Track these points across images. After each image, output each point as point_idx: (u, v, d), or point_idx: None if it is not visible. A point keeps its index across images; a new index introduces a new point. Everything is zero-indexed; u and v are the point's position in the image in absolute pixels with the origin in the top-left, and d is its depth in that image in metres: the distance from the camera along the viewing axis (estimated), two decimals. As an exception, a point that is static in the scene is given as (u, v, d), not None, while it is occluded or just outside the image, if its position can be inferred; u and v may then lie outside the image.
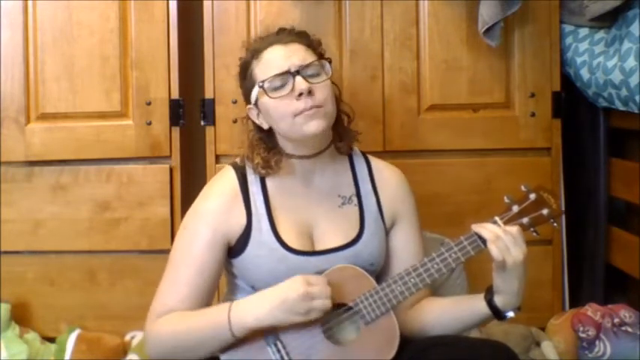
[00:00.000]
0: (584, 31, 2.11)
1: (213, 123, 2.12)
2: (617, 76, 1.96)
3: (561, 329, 2.02)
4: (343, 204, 1.55)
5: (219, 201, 1.51)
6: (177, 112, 2.14)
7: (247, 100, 1.54)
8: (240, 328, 1.39)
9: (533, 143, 2.13)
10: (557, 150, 2.14)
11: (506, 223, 1.42)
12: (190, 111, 2.16)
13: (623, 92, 1.97)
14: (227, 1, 2.11)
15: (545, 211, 1.44)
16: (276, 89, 1.45)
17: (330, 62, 1.51)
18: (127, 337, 2.11)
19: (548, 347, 1.99)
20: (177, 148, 2.14)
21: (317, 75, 1.47)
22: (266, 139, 1.53)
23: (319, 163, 1.53)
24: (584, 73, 2.10)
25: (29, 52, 2.15)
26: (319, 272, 1.46)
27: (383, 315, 1.43)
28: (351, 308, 1.44)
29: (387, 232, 1.57)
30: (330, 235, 1.51)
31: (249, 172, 1.53)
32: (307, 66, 1.46)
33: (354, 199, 1.56)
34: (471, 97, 2.12)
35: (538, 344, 2.02)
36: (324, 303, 1.38)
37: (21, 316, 2.15)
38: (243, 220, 1.50)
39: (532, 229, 1.44)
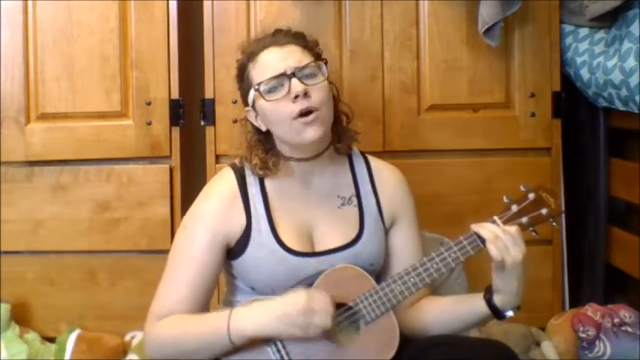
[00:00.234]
0: (584, 31, 2.11)
1: (213, 123, 2.12)
2: (617, 76, 1.96)
3: (561, 329, 2.02)
4: (343, 205, 1.55)
5: (219, 202, 1.51)
6: (177, 112, 2.14)
7: (245, 103, 1.54)
8: (239, 336, 1.39)
9: (533, 143, 2.13)
10: (557, 150, 2.14)
11: (505, 222, 1.42)
12: (190, 111, 2.16)
13: (623, 92, 1.97)
14: (227, 1, 2.11)
15: (544, 211, 1.44)
16: (272, 92, 1.45)
17: (326, 63, 1.50)
18: (127, 337, 2.11)
19: (548, 347, 1.99)
20: (177, 148, 2.14)
21: (313, 76, 1.46)
22: (264, 140, 1.53)
23: (318, 164, 1.53)
24: (584, 73, 2.10)
25: (29, 52, 2.15)
26: (318, 273, 1.46)
27: (383, 315, 1.43)
28: (351, 308, 1.44)
29: (387, 232, 1.57)
30: (330, 236, 1.51)
31: (248, 174, 1.53)
32: (303, 68, 1.45)
33: (354, 200, 1.56)
34: (471, 97, 2.12)
35: (538, 344, 2.02)
36: (323, 320, 1.37)
37: (21, 316, 2.15)
38: (242, 222, 1.49)
39: (531, 228, 1.43)
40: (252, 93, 1.49)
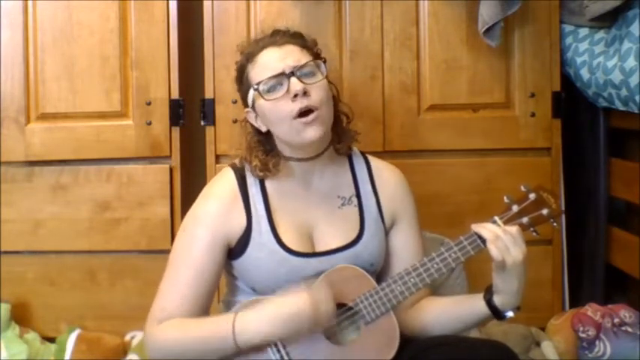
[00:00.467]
0: (584, 31, 2.11)
1: (213, 123, 2.12)
2: (617, 76, 1.96)
3: (561, 329, 2.02)
4: (343, 205, 1.55)
5: (219, 203, 1.51)
6: (177, 112, 2.14)
7: (245, 104, 1.54)
8: (246, 341, 1.38)
9: (533, 143, 2.13)
10: (557, 150, 2.14)
11: (505, 222, 1.42)
12: (190, 111, 2.16)
13: (623, 92, 1.97)
14: (227, 1, 2.11)
15: (544, 211, 1.44)
16: (271, 91, 1.45)
17: (325, 62, 1.50)
18: (127, 337, 2.11)
19: (548, 347, 1.99)
20: (177, 148, 2.14)
21: (312, 75, 1.46)
22: (264, 141, 1.53)
23: (318, 164, 1.53)
24: (584, 73, 2.10)
25: (29, 52, 2.15)
26: (319, 273, 1.46)
27: (383, 315, 1.43)
28: (351, 308, 1.44)
29: (387, 232, 1.57)
30: (330, 236, 1.51)
31: (249, 174, 1.53)
32: (302, 67, 1.45)
33: (354, 200, 1.56)
34: (471, 97, 2.12)
35: (538, 344, 2.02)
36: (328, 317, 1.37)
37: (21, 316, 2.15)
38: (243, 222, 1.49)
39: (532, 228, 1.44)
40: (251, 93, 1.49)
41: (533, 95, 2.12)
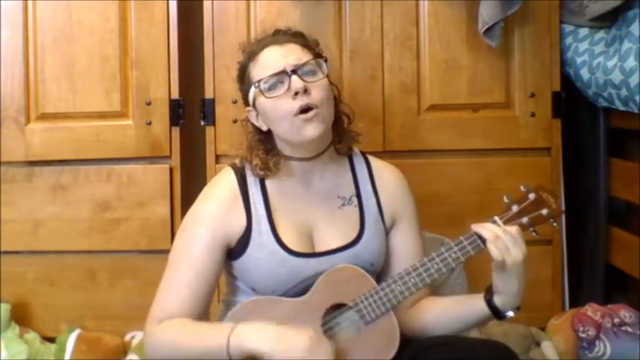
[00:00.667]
0: (584, 31, 2.11)
1: (213, 123, 2.12)
2: (617, 76, 1.96)
3: (561, 329, 2.02)
4: (343, 205, 1.55)
5: (219, 203, 1.50)
6: (177, 112, 2.14)
7: (246, 103, 1.54)
8: (239, 352, 1.37)
9: (533, 143, 2.13)
10: (557, 150, 2.14)
11: (505, 222, 1.42)
12: (190, 111, 2.16)
13: (623, 92, 1.97)
14: (227, 1, 2.11)
15: (544, 211, 1.44)
16: (272, 89, 1.45)
17: (326, 61, 1.50)
18: (127, 337, 2.11)
19: (548, 347, 1.99)
20: (177, 148, 2.14)
21: (313, 74, 1.47)
22: (265, 140, 1.53)
23: (319, 164, 1.53)
24: (584, 73, 2.10)
25: (29, 52, 2.15)
26: (319, 273, 1.46)
27: (383, 315, 1.43)
28: (351, 308, 1.44)
29: (387, 232, 1.57)
30: (330, 236, 1.51)
31: (249, 174, 1.53)
32: (303, 65, 1.45)
33: (354, 200, 1.56)
34: (471, 97, 2.12)
35: (538, 344, 2.02)
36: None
37: (21, 316, 2.15)
38: (243, 222, 1.49)
39: (531, 228, 1.44)
40: (252, 91, 1.49)
41: (533, 95, 2.12)
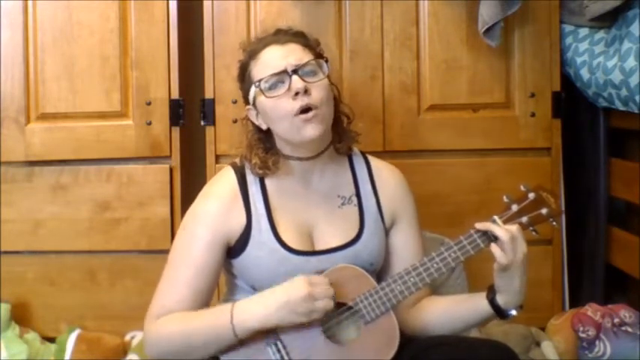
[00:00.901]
0: (584, 31, 2.11)
1: (213, 123, 2.12)
2: (617, 76, 1.96)
3: (561, 329, 2.02)
4: (343, 204, 1.55)
5: (219, 202, 1.51)
6: (177, 112, 2.14)
7: (246, 101, 1.54)
8: (244, 329, 1.39)
9: (533, 143, 2.13)
10: (557, 150, 2.14)
11: (505, 222, 1.42)
12: (190, 111, 2.16)
13: (623, 92, 1.97)
14: (227, 1, 2.11)
15: (544, 211, 1.44)
16: (272, 89, 1.46)
17: (327, 61, 1.51)
18: (127, 337, 2.11)
19: (548, 347, 1.99)
20: (177, 148, 2.14)
21: (314, 74, 1.47)
22: (264, 139, 1.53)
23: (318, 164, 1.53)
24: (584, 73, 2.10)
25: (29, 52, 2.15)
26: (319, 272, 1.46)
27: (383, 314, 1.43)
28: (351, 308, 1.44)
29: (387, 231, 1.57)
30: (330, 235, 1.51)
31: (249, 173, 1.53)
32: (304, 65, 1.46)
33: (354, 200, 1.56)
34: (471, 97, 2.12)
35: (538, 344, 2.02)
36: (326, 304, 1.38)
37: (21, 316, 2.15)
38: (242, 221, 1.50)
39: (531, 228, 1.44)
40: (253, 90, 1.49)
41: (533, 95, 2.12)
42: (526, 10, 2.08)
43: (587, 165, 2.25)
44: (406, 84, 2.12)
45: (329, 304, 1.39)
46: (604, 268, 2.21)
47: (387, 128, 2.12)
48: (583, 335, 1.95)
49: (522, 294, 1.43)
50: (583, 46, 2.10)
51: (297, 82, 1.43)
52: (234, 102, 2.07)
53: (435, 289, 1.75)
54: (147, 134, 2.14)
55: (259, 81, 1.46)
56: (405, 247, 1.58)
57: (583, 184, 2.25)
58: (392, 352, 1.42)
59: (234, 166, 1.56)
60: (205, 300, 1.49)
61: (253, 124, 1.55)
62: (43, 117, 2.16)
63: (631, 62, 1.91)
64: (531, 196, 1.45)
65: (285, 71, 1.45)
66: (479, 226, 1.42)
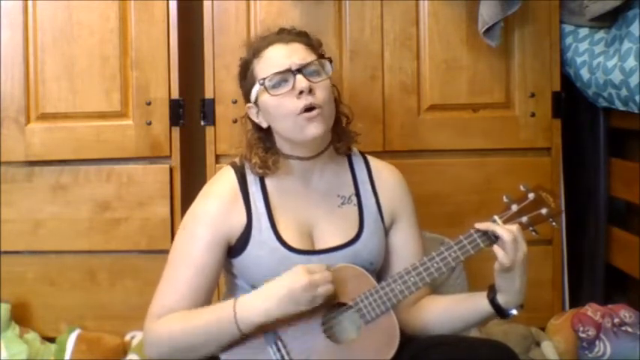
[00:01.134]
0: (584, 31, 2.11)
1: (213, 123, 2.13)
2: (617, 76, 1.96)
3: (561, 329, 2.02)
4: (343, 204, 1.55)
5: (219, 202, 1.51)
6: (177, 112, 2.14)
7: (247, 99, 1.54)
8: (247, 324, 1.39)
9: (533, 143, 2.13)
10: (557, 150, 2.14)
11: (505, 222, 1.42)
12: (190, 111, 2.17)
13: (623, 92, 1.97)
14: (227, 1, 2.12)
15: (544, 211, 1.44)
16: (276, 87, 1.46)
17: (331, 62, 1.51)
18: (127, 337, 2.11)
19: (548, 347, 1.99)
20: (177, 148, 2.14)
21: (317, 74, 1.47)
22: (264, 138, 1.54)
23: (318, 163, 1.54)
24: (584, 73, 2.10)
25: (29, 52, 2.15)
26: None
27: (383, 314, 1.43)
28: (351, 307, 1.44)
29: (387, 231, 1.57)
30: (330, 235, 1.51)
31: (249, 172, 1.53)
32: (308, 65, 1.46)
33: (354, 199, 1.56)
34: (471, 97, 2.12)
35: (538, 344, 2.02)
36: (327, 289, 1.39)
37: (21, 316, 2.15)
38: (243, 220, 1.50)
39: (531, 228, 1.44)
40: (256, 88, 1.49)
41: (533, 95, 2.12)
42: (526, 10, 2.08)
43: (587, 165, 2.25)
44: (406, 84, 2.12)
45: (330, 289, 1.39)
46: (604, 268, 2.21)
47: (387, 128, 2.12)
48: (583, 335, 1.95)
49: (523, 293, 1.43)
50: (583, 46, 2.10)
51: (301, 82, 1.44)
52: (234, 102, 2.07)
53: (435, 288, 1.75)
54: (147, 134, 2.14)
55: (264, 79, 1.46)
56: (404, 246, 1.58)
57: (583, 184, 2.25)
58: (392, 352, 1.42)
59: (234, 165, 1.56)
60: (205, 300, 1.49)
61: (253, 122, 1.55)
62: (43, 117, 2.16)
63: (631, 62, 1.91)
64: (531, 196, 1.45)
65: (289, 70, 1.45)
66: (479, 225, 1.42)
